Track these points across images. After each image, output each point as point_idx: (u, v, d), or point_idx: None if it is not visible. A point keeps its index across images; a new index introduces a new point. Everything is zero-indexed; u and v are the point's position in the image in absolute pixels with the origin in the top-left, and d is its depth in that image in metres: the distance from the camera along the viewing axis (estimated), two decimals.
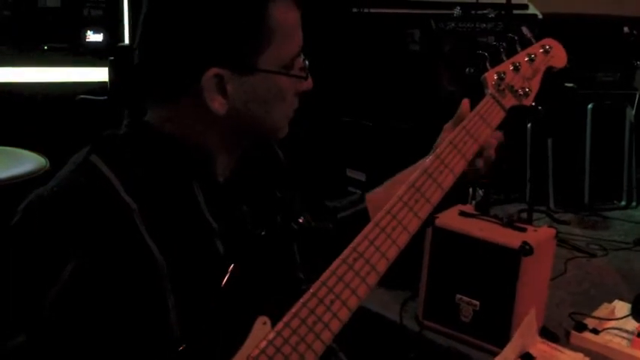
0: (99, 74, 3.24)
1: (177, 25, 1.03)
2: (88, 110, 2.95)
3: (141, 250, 0.99)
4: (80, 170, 1.04)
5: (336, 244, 1.11)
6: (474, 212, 2.32)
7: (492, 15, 3.69)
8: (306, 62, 1.14)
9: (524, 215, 3.27)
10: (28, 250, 0.99)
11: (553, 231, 2.27)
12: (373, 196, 1.41)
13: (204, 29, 1.03)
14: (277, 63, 1.08)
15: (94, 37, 3.34)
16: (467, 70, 3.35)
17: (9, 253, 1.00)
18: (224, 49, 1.04)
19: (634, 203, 3.80)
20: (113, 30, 3.32)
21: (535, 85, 1.38)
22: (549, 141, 3.66)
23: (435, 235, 2.21)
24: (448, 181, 1.23)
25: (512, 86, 1.35)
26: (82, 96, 2.95)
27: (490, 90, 1.33)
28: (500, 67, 1.36)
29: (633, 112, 3.76)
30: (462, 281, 2.17)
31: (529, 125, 3.50)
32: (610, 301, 2.40)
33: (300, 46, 1.12)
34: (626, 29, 3.96)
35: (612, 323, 2.23)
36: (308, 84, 1.14)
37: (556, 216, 3.54)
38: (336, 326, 1.06)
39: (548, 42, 1.42)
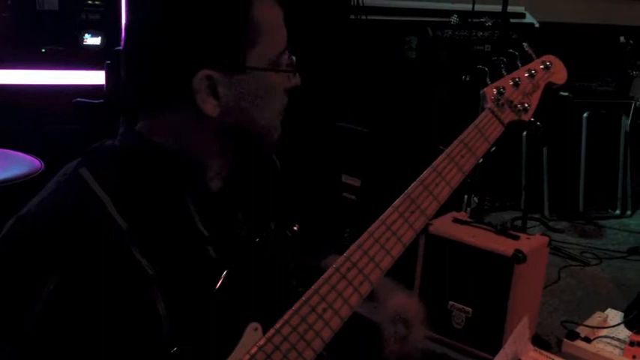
0: (95, 77, 3.23)
1: (164, 30, 1.03)
2: (84, 113, 2.95)
3: (129, 266, 0.98)
4: (70, 186, 1.03)
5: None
6: (468, 219, 2.33)
7: (489, 23, 3.71)
8: (293, 58, 1.14)
9: (519, 223, 3.28)
10: (12, 265, 0.98)
11: (546, 239, 2.28)
12: None
13: (192, 32, 1.03)
14: (265, 60, 1.08)
15: (91, 40, 3.33)
16: (463, 77, 3.37)
17: None
18: (213, 51, 1.04)
19: (628, 212, 3.82)
20: (111, 34, 3.31)
21: (534, 100, 1.38)
22: (544, 149, 3.67)
23: (428, 241, 2.22)
24: (444, 193, 1.22)
25: (512, 101, 1.35)
26: (78, 99, 2.95)
27: (489, 104, 1.33)
28: (500, 82, 1.36)
29: (628, 121, 3.77)
30: (455, 288, 2.18)
31: (524, 134, 3.52)
32: (603, 310, 2.41)
33: (285, 43, 1.12)
34: (622, 39, 3.97)
35: (604, 332, 2.24)
36: (297, 80, 1.15)
37: (550, 224, 3.55)
38: (327, 335, 1.06)
39: (549, 58, 1.42)
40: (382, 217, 1.16)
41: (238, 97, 1.07)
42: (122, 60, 1.08)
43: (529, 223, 3.34)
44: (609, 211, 3.80)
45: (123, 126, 1.11)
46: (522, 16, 4.26)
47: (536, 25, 4.23)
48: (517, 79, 1.37)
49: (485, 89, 1.35)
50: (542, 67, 1.40)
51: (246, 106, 1.08)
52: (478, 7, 3.44)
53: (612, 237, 3.46)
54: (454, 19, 3.73)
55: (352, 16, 3.50)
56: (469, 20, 3.66)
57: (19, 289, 0.97)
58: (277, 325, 1.05)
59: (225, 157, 1.13)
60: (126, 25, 1.08)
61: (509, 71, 1.39)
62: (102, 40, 3.25)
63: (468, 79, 3.30)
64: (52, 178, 1.07)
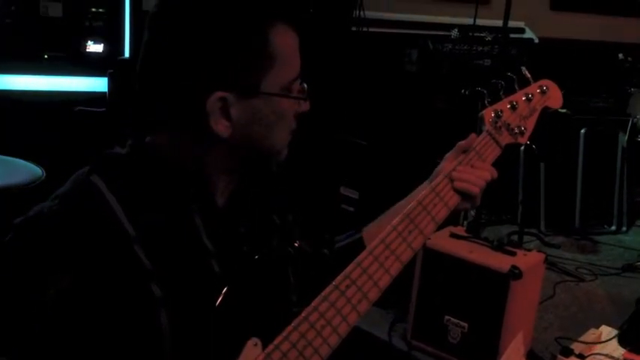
0: (98, 85, 3.25)
1: (182, 51, 1.05)
2: (86, 122, 2.97)
3: (135, 274, 1.00)
4: (82, 191, 1.05)
5: (331, 270, 1.13)
6: (465, 234, 2.34)
7: (489, 38, 3.74)
8: (305, 85, 1.16)
9: (515, 237, 3.30)
10: (20, 266, 1.00)
11: (542, 255, 2.29)
12: (369, 229, 1.43)
13: (209, 54, 1.04)
14: (278, 86, 1.10)
15: (94, 47, 3.34)
16: (462, 91, 3.39)
17: (1, 269, 1.02)
18: (228, 73, 1.05)
19: (624, 228, 3.83)
20: (113, 41, 3.33)
21: (531, 124, 1.40)
22: (542, 165, 3.69)
23: (425, 256, 2.24)
24: (442, 214, 1.24)
25: (509, 124, 1.37)
26: (80, 107, 2.97)
27: (487, 127, 1.35)
28: (498, 105, 1.37)
29: (626, 137, 3.79)
30: (451, 303, 2.19)
31: (522, 148, 3.54)
32: (597, 326, 2.42)
33: (298, 70, 1.14)
34: (620, 56, 4.00)
35: (598, 348, 2.25)
36: (306, 106, 1.17)
37: (546, 239, 3.57)
38: (325, 351, 1.07)
39: (545, 83, 1.44)
40: (381, 236, 1.18)
41: (250, 119, 1.09)
42: (137, 75, 1.09)
43: (525, 238, 3.35)
44: (605, 227, 3.82)
45: (132, 137, 1.13)
46: (522, 31, 4.29)
47: (536, 40, 4.26)
48: (515, 103, 1.39)
49: (483, 112, 1.37)
50: (538, 91, 1.42)
51: (257, 129, 1.10)
52: (479, 22, 3.47)
53: (607, 253, 3.48)
54: (454, 33, 3.76)
55: (353, 28, 3.53)
56: (469, 35, 3.68)
57: (26, 291, 0.99)
58: (277, 341, 1.06)
59: (232, 174, 1.15)
60: (145, 41, 1.09)
61: (506, 94, 1.41)
62: (104, 48, 3.27)
63: (467, 93, 3.32)
64: (63, 186, 1.08)
